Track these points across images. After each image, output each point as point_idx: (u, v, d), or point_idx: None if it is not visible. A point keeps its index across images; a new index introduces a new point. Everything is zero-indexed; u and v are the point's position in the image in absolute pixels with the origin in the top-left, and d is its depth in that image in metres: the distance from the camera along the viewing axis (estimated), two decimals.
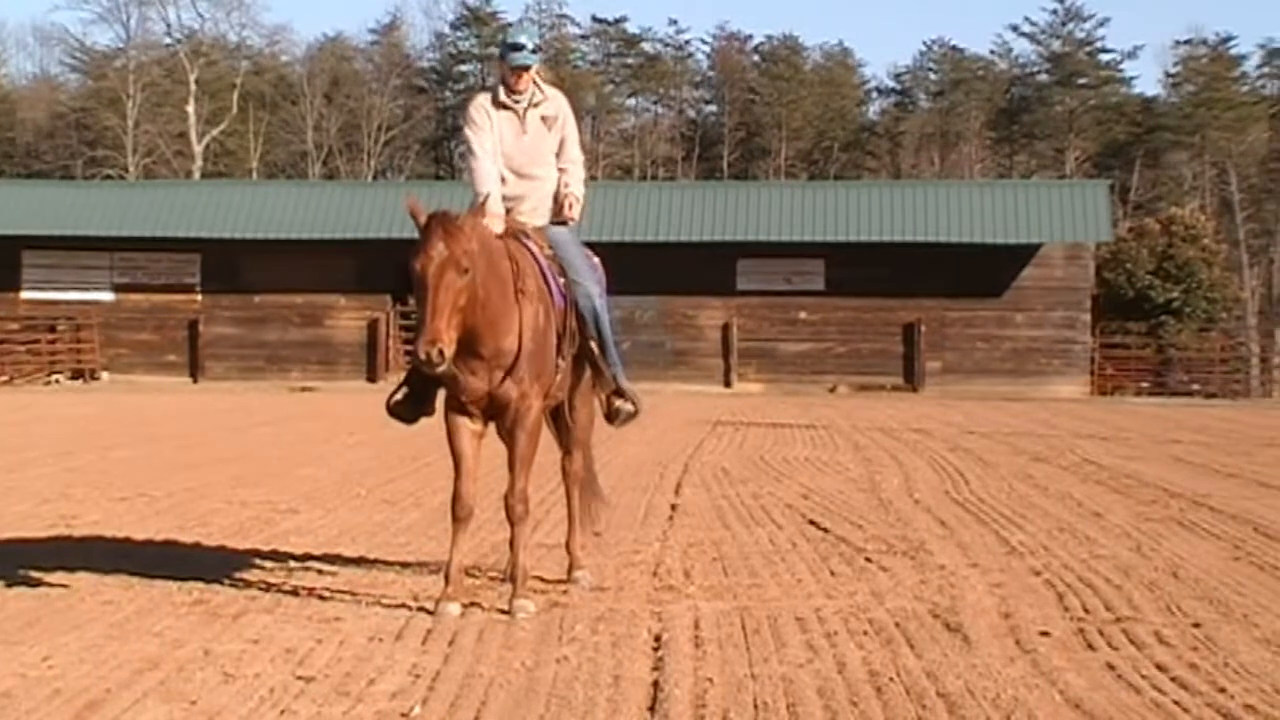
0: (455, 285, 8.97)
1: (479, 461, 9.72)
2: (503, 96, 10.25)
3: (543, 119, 10.25)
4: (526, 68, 10.15)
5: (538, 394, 9.66)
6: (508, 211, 10.05)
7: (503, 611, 9.37)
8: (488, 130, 10.19)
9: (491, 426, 9.77)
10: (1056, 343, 48.28)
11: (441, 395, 9.80)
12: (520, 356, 9.50)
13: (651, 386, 42.21)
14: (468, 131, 10.30)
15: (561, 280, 10.00)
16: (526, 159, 10.22)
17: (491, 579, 10.53)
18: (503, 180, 10.13)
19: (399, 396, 10.07)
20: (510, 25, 12.02)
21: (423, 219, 9.12)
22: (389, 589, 10.23)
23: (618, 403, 10.45)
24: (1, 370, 48.67)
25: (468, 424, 9.60)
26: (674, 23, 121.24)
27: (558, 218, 10.24)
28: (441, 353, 8.89)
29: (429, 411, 10.00)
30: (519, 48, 10.18)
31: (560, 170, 10.31)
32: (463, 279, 9.00)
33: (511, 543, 9.72)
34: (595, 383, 10.39)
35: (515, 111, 10.22)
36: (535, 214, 10.22)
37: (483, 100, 10.36)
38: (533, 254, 9.85)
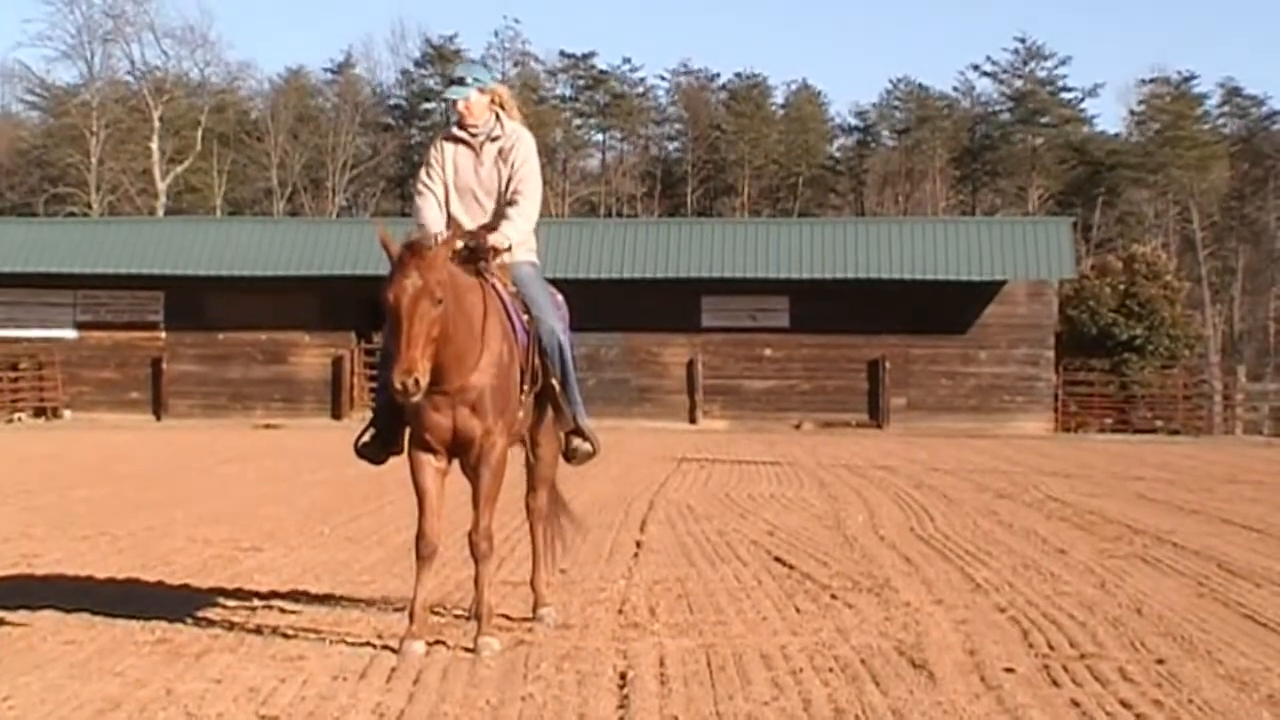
0: (429, 315, 8.99)
1: (443, 499, 9.70)
2: (455, 131, 10.29)
3: (500, 153, 10.25)
4: (460, 99, 10.19)
5: (502, 431, 9.64)
6: (469, 248, 10.04)
7: (467, 649, 9.34)
8: (438, 169, 10.23)
9: (456, 464, 9.76)
10: (1020, 380, 48.39)
11: (407, 433, 9.79)
12: (484, 393, 9.49)
13: (616, 423, 42.19)
14: (421, 171, 10.37)
15: (525, 317, 10.00)
16: (484, 192, 10.22)
17: (456, 617, 10.51)
18: (448, 215, 10.15)
19: (366, 438, 10.06)
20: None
21: (395, 250, 9.13)
22: (353, 627, 10.19)
23: (576, 441, 10.46)
24: None
25: (432, 461, 9.58)
26: (628, 60, 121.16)
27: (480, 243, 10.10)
28: (417, 382, 8.91)
29: (397, 451, 9.97)
30: (454, 81, 10.29)
31: (507, 205, 10.24)
32: (436, 309, 9.02)
33: (476, 580, 9.69)
34: (555, 421, 10.37)
35: (471, 145, 10.24)
36: None
37: (440, 139, 10.42)
38: (496, 290, 9.85)
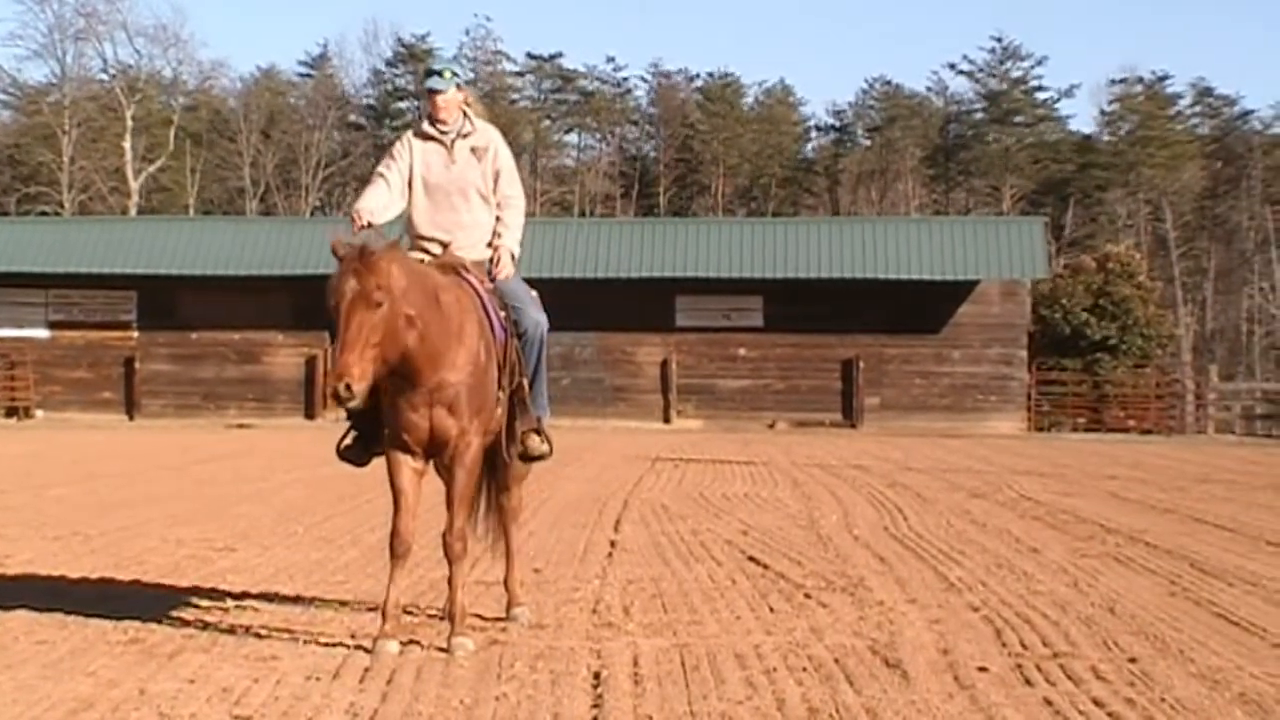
0: (368, 320, 8.93)
1: (419, 499, 9.67)
2: (427, 128, 10.25)
3: (472, 150, 10.22)
4: (441, 92, 10.14)
5: (477, 430, 9.62)
6: (443, 245, 10.05)
7: (441, 649, 9.33)
8: (402, 162, 10.20)
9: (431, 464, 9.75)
10: (993, 379, 48.47)
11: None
12: (460, 391, 9.47)
13: (590, 423, 42.24)
14: (381, 161, 10.34)
15: (502, 314, 9.98)
16: (456, 190, 10.19)
17: (430, 616, 10.50)
18: (412, 211, 10.16)
19: (348, 440, 10.04)
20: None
21: (341, 253, 9.12)
22: (326, 627, 10.17)
23: (534, 441, 10.31)
24: None
25: (409, 461, 9.56)
26: (611, 60, 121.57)
27: (491, 275, 10.15)
28: (349, 387, 8.86)
29: (379, 452, 9.93)
30: (435, 74, 10.23)
31: (498, 209, 10.26)
32: (375, 313, 8.95)
33: (450, 581, 9.65)
34: (519, 418, 10.24)
35: (443, 143, 10.21)
36: (470, 247, 10.16)
37: (408, 135, 10.39)
38: (474, 287, 9.84)
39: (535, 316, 10.15)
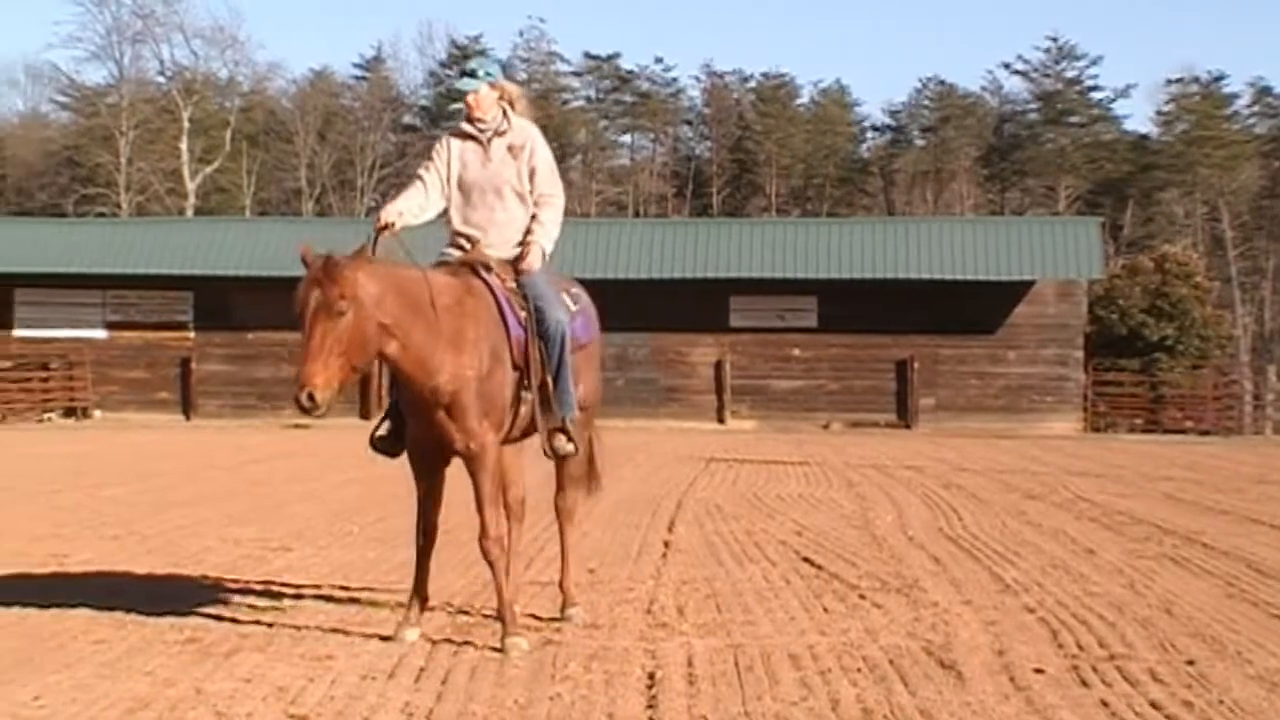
0: (331, 330, 8.98)
1: (441, 493, 10.00)
2: (465, 126, 10.24)
3: (509, 148, 10.19)
4: (470, 92, 10.12)
5: (488, 430, 9.61)
6: (473, 242, 10.05)
7: (495, 649, 9.35)
8: (439, 162, 10.18)
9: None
10: (1049, 380, 48.26)
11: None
12: (459, 395, 9.46)
13: (644, 424, 42.23)
14: (420, 167, 10.35)
15: (523, 313, 9.91)
16: (491, 187, 10.16)
17: (485, 616, 10.52)
18: (462, 210, 10.16)
19: (381, 431, 10.12)
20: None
21: (310, 261, 9.15)
22: (382, 627, 10.20)
23: (559, 440, 10.22)
24: None
25: (425, 460, 9.85)
26: (660, 60, 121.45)
27: (516, 269, 10.10)
28: (312, 396, 8.94)
29: None
30: (465, 74, 10.24)
31: (535, 206, 10.22)
32: (338, 322, 8.99)
33: (495, 584, 9.68)
34: (542, 417, 10.11)
35: (480, 141, 10.19)
36: (503, 245, 10.14)
37: (446, 135, 10.38)
38: (490, 287, 9.82)
39: (556, 315, 10.05)
